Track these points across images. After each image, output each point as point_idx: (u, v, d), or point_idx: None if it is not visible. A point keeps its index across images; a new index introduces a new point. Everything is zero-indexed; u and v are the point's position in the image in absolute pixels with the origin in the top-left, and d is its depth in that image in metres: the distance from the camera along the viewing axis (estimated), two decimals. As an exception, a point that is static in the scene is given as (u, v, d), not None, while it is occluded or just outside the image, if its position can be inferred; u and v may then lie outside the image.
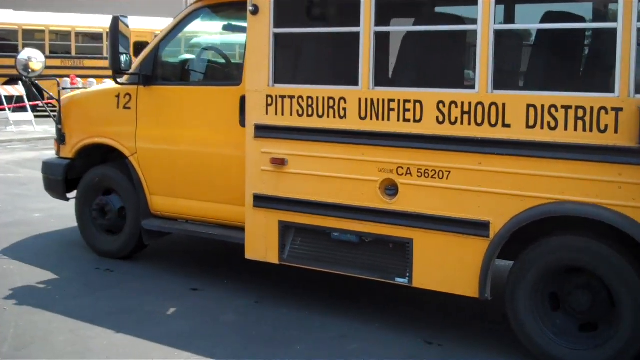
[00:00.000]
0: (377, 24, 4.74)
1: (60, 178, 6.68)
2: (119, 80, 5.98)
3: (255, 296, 5.66)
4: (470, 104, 4.42)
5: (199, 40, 6.71)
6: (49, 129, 18.04)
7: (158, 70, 6.08)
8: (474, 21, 4.46)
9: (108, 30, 5.78)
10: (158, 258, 6.62)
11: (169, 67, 6.22)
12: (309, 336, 4.93)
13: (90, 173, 6.59)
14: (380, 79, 4.83)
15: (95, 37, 23.66)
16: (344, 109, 4.87)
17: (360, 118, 4.81)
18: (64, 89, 6.84)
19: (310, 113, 5.00)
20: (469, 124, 4.44)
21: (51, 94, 6.97)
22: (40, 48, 22.25)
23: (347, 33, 4.92)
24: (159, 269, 6.33)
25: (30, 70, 6.89)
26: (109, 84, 6.74)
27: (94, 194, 6.57)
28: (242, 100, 5.51)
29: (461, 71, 5.31)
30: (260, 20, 5.15)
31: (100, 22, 23.74)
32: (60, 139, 6.69)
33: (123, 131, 6.24)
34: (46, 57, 22.09)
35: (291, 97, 5.07)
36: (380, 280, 4.90)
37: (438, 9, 5.67)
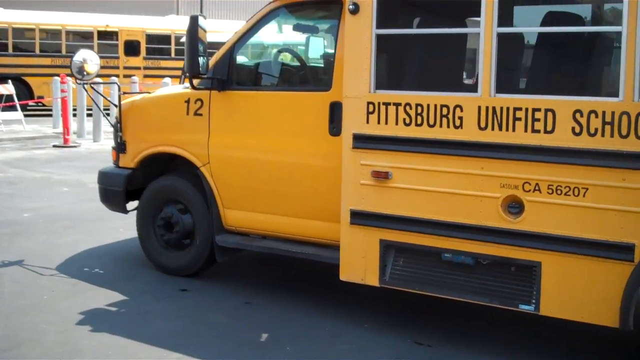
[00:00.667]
0: (500, 24, 4.29)
1: (121, 189, 6.23)
2: (195, 85, 5.51)
3: (245, 297, 5.61)
4: (613, 113, 3.97)
5: (277, 42, 6.22)
6: (38, 128, 18.09)
7: (233, 74, 5.62)
8: (616, 21, 4.02)
9: (182, 32, 5.31)
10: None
11: (246, 70, 5.76)
12: (299, 337, 4.89)
13: (155, 184, 6.14)
14: (503, 85, 4.37)
15: (86, 35, 23.30)
16: (460, 117, 4.41)
17: (480, 128, 4.35)
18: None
19: (419, 122, 4.55)
20: (612, 135, 3.98)
21: (109, 98, 6.52)
22: (30, 47, 22.40)
23: (463, 34, 4.46)
24: (148, 269, 6.20)
25: (85, 73, 6.42)
26: (175, 88, 6.27)
27: (158, 206, 6.11)
28: (332, 106, 5.09)
29: (603, 77, 4.85)
30: (360, 20, 4.69)
31: (90, 21, 23.55)
32: (120, 147, 6.23)
33: (194, 139, 5.79)
34: (36, 56, 21.48)
35: (397, 105, 4.61)
36: (500, 307, 4.46)
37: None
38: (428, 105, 4.51)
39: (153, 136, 6.05)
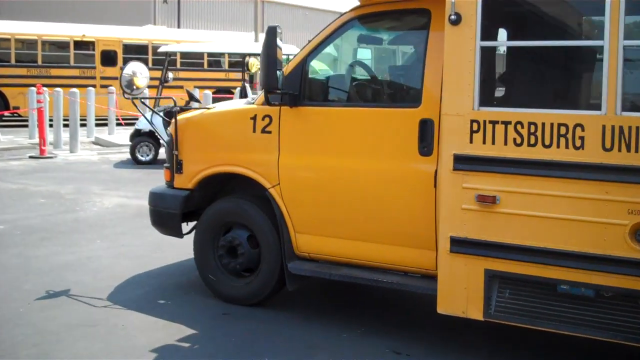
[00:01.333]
0: (626, 36, 3.93)
1: (177, 211, 5.80)
2: (272, 100, 5.12)
3: (223, 308, 5.55)
4: None
5: (353, 54, 5.82)
6: (14, 138, 17.84)
7: (306, 88, 5.22)
8: None
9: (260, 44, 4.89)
10: (127, 274, 6.42)
11: (320, 84, 5.35)
12: (277, 348, 4.87)
13: (216, 206, 5.72)
14: (631, 102, 4.01)
15: (63, 45, 22.85)
16: (581, 137, 4.04)
17: (604, 149, 3.99)
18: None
19: (532, 142, 4.18)
20: None
21: (161, 114, 6.10)
22: (6, 57, 21.95)
23: (583, 47, 4.10)
24: (122, 282, 6.19)
25: (134, 88, 6.00)
26: (236, 103, 5.86)
27: (219, 230, 5.70)
28: (423, 124, 4.71)
29: None
30: (463, 31, 4.31)
31: (67, 31, 23.17)
32: (176, 166, 5.81)
33: (261, 159, 5.38)
34: (12, 66, 21.11)
35: (505, 123, 4.24)
36: (626, 344, 4.10)
37: None
38: (543, 124, 4.14)
39: (214, 155, 5.63)
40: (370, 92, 5.44)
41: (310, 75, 5.27)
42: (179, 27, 40.14)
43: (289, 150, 5.27)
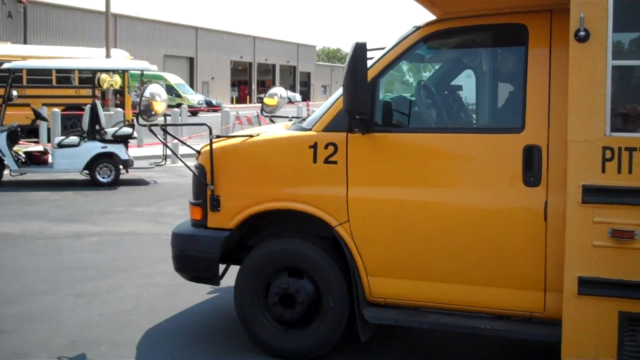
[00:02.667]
0: None
1: (215, 255, 5.00)
2: (354, 126, 4.47)
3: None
4: None
5: (429, 74, 5.23)
6: None
7: (378, 112, 4.63)
8: None
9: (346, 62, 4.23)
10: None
11: (396, 108, 4.74)
12: None
13: (266, 249, 4.97)
14: None
15: None
16: None
17: None
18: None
19: (678, 171, 3.81)
20: None
21: (189, 144, 5.27)
22: None
23: None
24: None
25: (152, 113, 5.16)
26: (284, 130, 5.13)
27: (269, 276, 4.96)
28: (528, 151, 4.25)
29: None
30: (591, 50, 3.88)
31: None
32: (212, 203, 5.00)
33: (326, 193, 4.71)
34: None
35: None
36: None
37: None
38: (692, 152, 3.78)
39: (264, 190, 4.88)
40: (461, 116, 4.91)
41: (383, 98, 4.68)
42: (25, 42, 38.21)
43: (360, 182, 4.64)
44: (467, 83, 4.92)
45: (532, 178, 4.28)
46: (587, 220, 3.96)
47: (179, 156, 6.28)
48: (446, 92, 5.01)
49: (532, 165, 4.27)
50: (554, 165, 4.24)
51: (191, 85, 55.26)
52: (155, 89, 5.13)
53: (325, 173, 4.72)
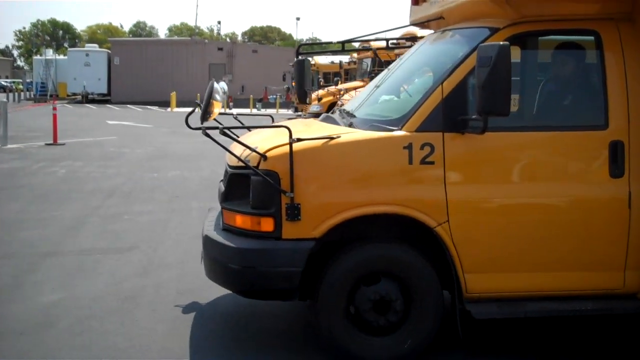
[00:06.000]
0: None
1: (299, 269, 4.61)
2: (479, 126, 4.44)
3: None
4: None
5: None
6: None
7: (470, 112, 4.68)
8: None
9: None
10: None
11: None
12: None
13: (354, 256, 4.70)
14: None
15: None
16: None
17: None
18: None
19: None
20: None
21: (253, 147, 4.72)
22: None
23: None
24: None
25: (209, 114, 4.57)
26: (371, 132, 4.83)
27: (353, 284, 4.72)
28: (613, 146, 4.71)
29: None
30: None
31: None
32: (287, 212, 4.59)
33: (424, 195, 4.63)
34: None
35: None
36: None
37: None
38: None
39: (353, 195, 4.61)
40: (551, 115, 5.09)
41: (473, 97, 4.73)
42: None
43: (457, 181, 4.66)
44: (546, 84, 5.17)
45: (617, 170, 4.72)
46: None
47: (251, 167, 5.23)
48: (531, 92, 5.22)
49: (616, 159, 4.70)
50: (635, 158, 4.73)
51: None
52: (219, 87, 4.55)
53: (422, 174, 4.64)
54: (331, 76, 33.18)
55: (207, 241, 5.00)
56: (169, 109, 41.80)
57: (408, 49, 6.64)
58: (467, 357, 5.07)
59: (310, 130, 5.12)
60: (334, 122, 5.38)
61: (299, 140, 4.63)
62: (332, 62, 33.10)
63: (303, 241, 4.62)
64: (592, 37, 4.85)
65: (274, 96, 45.24)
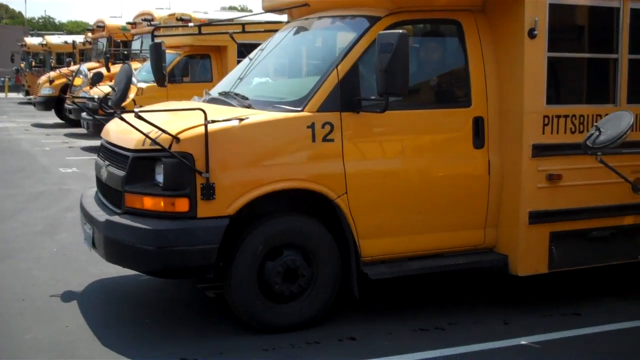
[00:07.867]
0: (630, 52, 5.71)
1: (216, 245, 4.80)
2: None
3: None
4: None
5: None
6: None
7: (361, 93, 5.16)
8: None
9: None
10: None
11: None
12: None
13: (264, 229, 4.97)
14: (633, 98, 5.79)
15: None
16: (609, 124, 5.64)
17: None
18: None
19: (581, 130, 5.56)
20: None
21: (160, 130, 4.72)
22: None
23: (606, 59, 5.69)
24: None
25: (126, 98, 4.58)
26: (275, 112, 5.07)
27: (262, 254, 5.01)
28: (475, 121, 5.49)
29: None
30: (537, 45, 5.33)
31: None
32: (202, 191, 4.75)
33: (325, 170, 5.04)
34: None
35: (565, 117, 5.50)
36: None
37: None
38: (588, 116, 5.58)
39: (265, 172, 4.89)
40: (425, 95, 5.64)
41: (363, 80, 5.21)
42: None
43: (353, 156, 5.12)
44: (420, 67, 5.76)
45: (479, 142, 5.50)
46: (534, 170, 5.45)
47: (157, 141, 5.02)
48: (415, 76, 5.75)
49: (478, 132, 5.48)
50: (493, 131, 5.54)
51: None
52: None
53: (324, 151, 5.04)
54: (65, 57, 29.89)
55: (110, 225, 4.97)
56: None
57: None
58: (361, 316, 5.60)
59: (211, 113, 5.25)
60: (227, 104, 5.55)
61: (213, 122, 4.80)
62: (66, 42, 30.34)
63: (218, 219, 4.82)
64: (455, 26, 5.56)
65: (2, 79, 39.53)
